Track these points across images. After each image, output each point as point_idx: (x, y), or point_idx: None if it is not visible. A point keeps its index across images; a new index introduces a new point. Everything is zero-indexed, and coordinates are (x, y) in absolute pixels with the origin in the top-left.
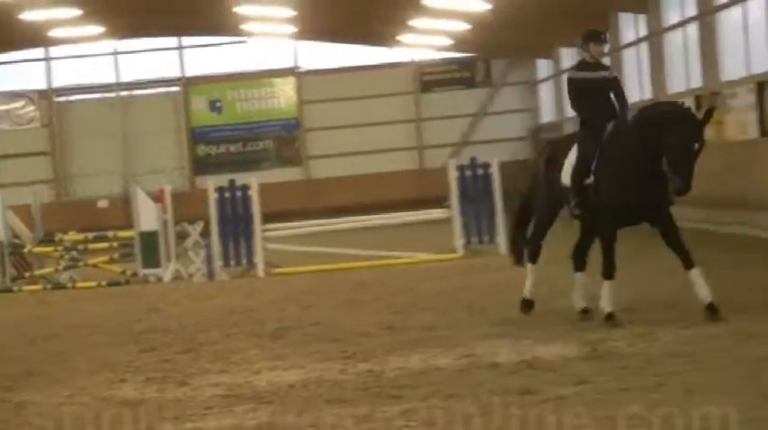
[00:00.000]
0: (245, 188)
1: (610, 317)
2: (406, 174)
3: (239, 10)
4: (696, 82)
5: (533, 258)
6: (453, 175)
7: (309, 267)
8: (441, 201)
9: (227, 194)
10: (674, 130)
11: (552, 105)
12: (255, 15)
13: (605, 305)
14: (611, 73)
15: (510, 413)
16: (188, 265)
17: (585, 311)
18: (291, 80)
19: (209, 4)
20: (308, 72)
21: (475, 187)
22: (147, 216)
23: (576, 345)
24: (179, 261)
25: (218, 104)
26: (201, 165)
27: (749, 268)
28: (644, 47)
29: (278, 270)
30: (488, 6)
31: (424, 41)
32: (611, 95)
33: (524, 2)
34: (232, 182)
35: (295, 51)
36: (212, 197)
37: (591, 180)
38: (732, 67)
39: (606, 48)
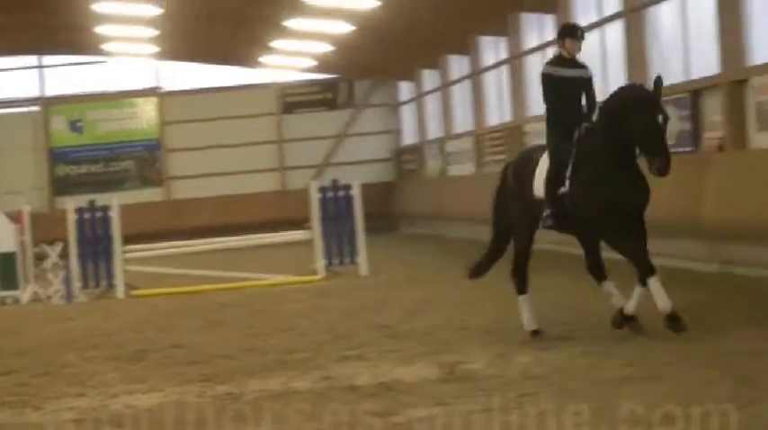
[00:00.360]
0: (105, 209)
1: (674, 318)
2: (269, 195)
3: (100, 30)
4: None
5: (523, 288)
6: (315, 197)
7: (170, 289)
8: (303, 223)
9: (86, 215)
10: (635, 115)
11: (414, 127)
12: (116, 35)
13: (665, 306)
14: (588, 72)
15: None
16: (46, 287)
17: (629, 319)
18: (153, 100)
19: (69, 23)
20: (170, 93)
21: (336, 209)
22: (5, 237)
23: (435, 367)
24: (37, 283)
25: (78, 124)
26: (61, 186)
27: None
28: (504, 70)
29: (138, 292)
30: (351, 28)
31: (287, 63)
32: (584, 96)
33: (387, 24)
34: (92, 202)
35: (157, 72)
36: (71, 218)
37: (566, 188)
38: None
39: (581, 44)
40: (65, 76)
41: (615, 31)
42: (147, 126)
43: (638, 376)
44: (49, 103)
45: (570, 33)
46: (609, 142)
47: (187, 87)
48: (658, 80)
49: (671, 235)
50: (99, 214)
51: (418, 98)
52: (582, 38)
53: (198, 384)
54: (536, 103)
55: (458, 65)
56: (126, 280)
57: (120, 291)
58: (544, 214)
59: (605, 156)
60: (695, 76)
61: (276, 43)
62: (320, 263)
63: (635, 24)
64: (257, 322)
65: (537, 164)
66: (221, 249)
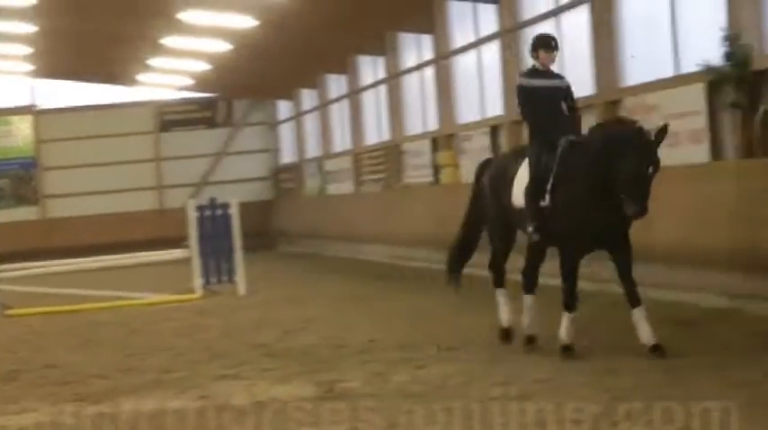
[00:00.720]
0: None
1: (566, 349)
2: (147, 213)
3: None
4: (433, 124)
5: (500, 284)
6: (193, 216)
7: (45, 308)
8: (181, 242)
9: None
10: (626, 154)
11: (293, 146)
12: None
13: (563, 336)
14: (564, 82)
15: None
16: None
17: (531, 340)
18: (28, 118)
19: None
20: (46, 110)
21: (214, 227)
22: None
23: (312, 386)
24: None
25: None
26: None
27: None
28: (383, 89)
29: (11, 311)
30: (229, 47)
31: (165, 81)
32: (564, 106)
33: (265, 44)
34: None
35: (32, 89)
36: None
37: (546, 202)
38: (467, 111)
39: (556, 55)
40: None
41: (492, 51)
42: (23, 144)
43: (513, 394)
44: None
45: (544, 44)
46: (596, 166)
47: (63, 105)
48: (664, 130)
49: (550, 253)
50: None
51: (297, 117)
52: (556, 48)
53: (72, 404)
54: (414, 122)
55: (336, 84)
56: (0, 299)
57: None
58: (528, 229)
59: (590, 179)
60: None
61: (153, 61)
62: (198, 282)
63: (510, 44)
64: (134, 341)
65: (515, 172)
66: (98, 268)
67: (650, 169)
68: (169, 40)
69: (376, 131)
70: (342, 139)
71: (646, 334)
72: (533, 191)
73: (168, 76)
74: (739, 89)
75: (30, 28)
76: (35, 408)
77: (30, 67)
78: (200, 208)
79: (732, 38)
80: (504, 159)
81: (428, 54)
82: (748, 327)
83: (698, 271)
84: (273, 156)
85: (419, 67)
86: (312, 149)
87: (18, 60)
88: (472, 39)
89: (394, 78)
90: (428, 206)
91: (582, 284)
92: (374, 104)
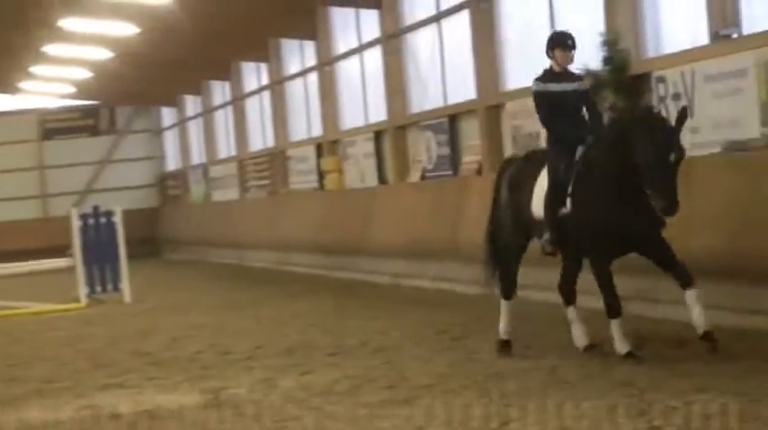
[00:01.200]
0: None
1: (630, 355)
2: (30, 222)
3: None
4: (317, 130)
5: (508, 295)
6: (76, 224)
7: None
8: (65, 250)
9: None
10: (646, 145)
11: (177, 153)
12: None
13: (620, 347)
14: (583, 84)
15: None
16: None
17: (591, 347)
18: None
19: None
20: None
21: (98, 236)
22: None
23: (198, 393)
24: None
25: None
26: None
27: (378, 309)
28: (266, 95)
29: None
30: (110, 55)
31: (47, 89)
32: (584, 110)
33: (147, 51)
34: None
35: None
36: None
37: (567, 209)
38: (351, 116)
39: (574, 54)
40: None
41: (374, 57)
42: None
43: (398, 399)
44: None
45: (560, 43)
46: (617, 163)
47: None
48: (683, 112)
49: (434, 257)
50: None
51: (180, 124)
52: (573, 47)
53: None
54: (297, 129)
55: (220, 90)
56: None
57: None
58: (543, 238)
59: (613, 178)
60: (452, 101)
61: (35, 69)
62: (82, 291)
63: (392, 50)
64: (16, 351)
65: (536, 180)
66: None
67: (672, 156)
68: (51, 48)
69: (261, 137)
70: (226, 146)
71: (697, 319)
72: (553, 198)
73: (50, 84)
74: (618, 93)
75: None
76: None
77: None
78: (84, 216)
79: (610, 43)
80: (525, 159)
81: (311, 60)
82: (638, 325)
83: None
84: (158, 164)
85: (302, 73)
86: (197, 156)
87: None
88: (355, 44)
89: (277, 84)
90: (313, 211)
91: (467, 289)
92: (258, 111)
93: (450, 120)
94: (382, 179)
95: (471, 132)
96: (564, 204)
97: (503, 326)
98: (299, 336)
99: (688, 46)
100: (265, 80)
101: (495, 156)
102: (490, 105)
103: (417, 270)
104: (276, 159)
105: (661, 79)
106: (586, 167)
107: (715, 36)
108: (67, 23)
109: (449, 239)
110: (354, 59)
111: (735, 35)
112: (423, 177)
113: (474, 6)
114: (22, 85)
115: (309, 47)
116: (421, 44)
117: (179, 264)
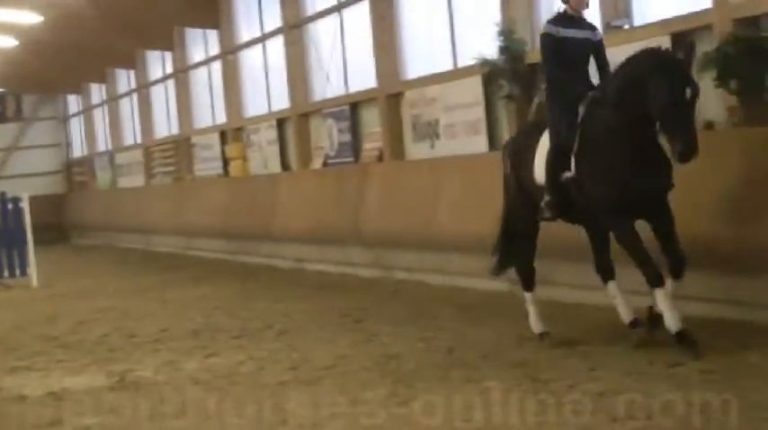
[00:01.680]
0: None
1: (682, 337)
2: None
3: None
4: (221, 118)
5: (528, 286)
6: None
7: None
8: None
9: None
10: (657, 84)
11: (83, 140)
12: None
13: (671, 323)
14: (597, 34)
15: None
16: None
17: (635, 324)
18: None
19: None
20: None
21: (5, 222)
22: None
23: (104, 376)
24: None
25: None
26: None
27: (282, 291)
28: (171, 83)
29: None
30: (15, 43)
31: None
32: (594, 61)
33: (51, 39)
34: None
35: None
36: None
37: (571, 173)
38: (254, 104)
39: (588, 2)
40: None
41: (276, 46)
42: None
43: (301, 379)
44: None
45: None
46: (624, 115)
47: None
48: (691, 44)
49: (336, 242)
50: None
51: (86, 111)
52: None
53: None
54: (202, 116)
55: (125, 78)
56: None
57: None
58: (542, 203)
59: (619, 132)
60: (354, 89)
61: None
62: None
63: (294, 39)
64: None
65: (538, 143)
66: None
67: (688, 92)
68: None
69: (166, 125)
70: (132, 133)
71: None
72: (554, 160)
73: None
74: (514, 82)
75: None
76: None
77: None
78: None
79: (506, 33)
80: (524, 131)
81: (215, 49)
82: (520, 309)
83: (475, 257)
84: (64, 151)
85: (206, 61)
86: (102, 143)
87: None
88: (258, 34)
89: (181, 73)
90: (218, 198)
91: (368, 272)
92: (163, 99)
93: (352, 107)
94: (285, 166)
95: (372, 120)
96: (568, 168)
97: (533, 320)
98: (204, 319)
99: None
100: (170, 68)
101: (396, 143)
102: (390, 94)
103: (320, 255)
104: (181, 146)
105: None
106: (591, 125)
107: (607, 27)
108: None
109: (351, 225)
110: (257, 48)
111: (626, 26)
112: (325, 164)
113: (377, 4)
114: None
115: (213, 35)
116: (322, 34)
117: (86, 249)
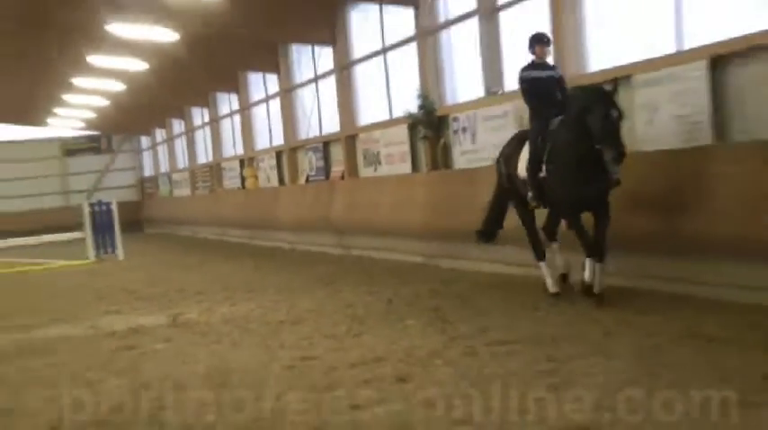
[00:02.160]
0: None
1: (599, 297)
2: (57, 209)
3: None
4: (240, 150)
5: (541, 256)
6: (87, 210)
7: None
8: (78, 226)
9: None
10: (593, 108)
11: (151, 165)
12: None
13: (595, 285)
14: (558, 72)
15: (119, 357)
16: None
17: (565, 276)
18: None
19: None
20: None
21: (101, 218)
22: None
23: (165, 317)
24: None
25: None
26: None
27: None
28: (236, 118)
29: None
30: (106, 103)
31: (64, 125)
32: (558, 92)
33: (130, 101)
34: None
35: None
36: None
37: (543, 173)
38: (261, 141)
39: (550, 49)
40: None
41: (275, 104)
42: None
43: (291, 320)
44: None
45: (538, 41)
46: (574, 134)
47: (5, 139)
48: (616, 81)
49: (315, 230)
50: None
51: (153, 147)
52: (549, 43)
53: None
54: (228, 148)
55: (177, 125)
56: None
57: None
58: (529, 195)
59: (571, 148)
60: (326, 132)
61: (58, 110)
62: (92, 252)
63: (287, 101)
64: (45, 291)
65: (522, 149)
66: (22, 246)
67: (615, 113)
68: (69, 97)
69: (204, 154)
70: (182, 160)
71: (588, 275)
72: (532, 164)
73: (68, 120)
74: (428, 128)
75: None
76: None
77: None
78: (92, 205)
79: (423, 96)
80: (511, 141)
81: (236, 103)
82: (435, 275)
83: (405, 239)
84: (138, 172)
85: (230, 114)
86: (163, 166)
87: None
88: (263, 96)
89: (245, 110)
90: (238, 201)
91: (335, 250)
92: (230, 128)
93: (324, 144)
94: (281, 181)
95: (337, 152)
96: (541, 170)
97: (550, 282)
98: (229, 282)
99: (472, 97)
100: (235, 106)
101: (352, 167)
102: (349, 135)
103: (305, 239)
104: (214, 169)
105: (455, 119)
106: (555, 141)
107: (487, 92)
108: (78, 81)
109: (324, 219)
110: (263, 105)
111: (500, 92)
112: (307, 180)
113: (339, 73)
114: (49, 120)
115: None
116: (306, 95)
117: (153, 236)
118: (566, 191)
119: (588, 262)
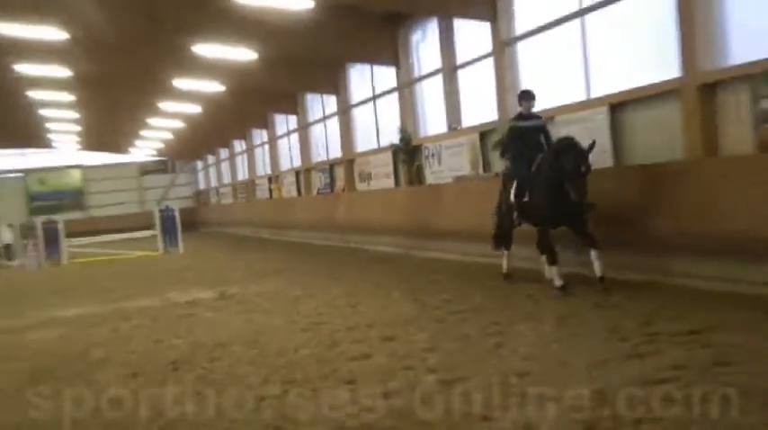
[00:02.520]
0: (55, 221)
1: (562, 288)
2: (135, 214)
3: (50, 135)
4: (268, 170)
5: (554, 261)
6: (157, 215)
7: (86, 259)
8: (150, 227)
9: (47, 224)
10: (567, 159)
11: (205, 182)
12: (56, 129)
13: (557, 282)
14: (541, 121)
15: (182, 322)
16: (29, 259)
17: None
18: (78, 170)
19: (31, 131)
20: (88, 166)
21: (167, 221)
22: (7, 236)
23: (213, 292)
24: (24, 257)
25: (42, 182)
26: (34, 211)
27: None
28: (266, 147)
29: (75, 260)
30: (170, 136)
31: (141, 152)
32: (542, 137)
33: (187, 135)
34: (50, 218)
35: (79, 155)
36: (40, 225)
37: (527, 199)
38: (284, 162)
39: (534, 103)
40: (34, 157)
41: (294, 137)
42: (75, 182)
43: (305, 294)
44: (27, 172)
45: (525, 97)
46: (550, 172)
47: (97, 163)
48: (593, 143)
49: (324, 229)
50: (53, 224)
51: (204, 168)
52: (534, 98)
53: (93, 304)
54: (260, 168)
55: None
56: (69, 255)
57: (65, 261)
58: (515, 215)
59: (548, 182)
60: (331, 157)
61: (137, 142)
62: (160, 246)
63: (304, 135)
64: (127, 274)
65: (513, 181)
66: (111, 241)
67: (583, 168)
68: (144, 132)
69: (242, 173)
70: (227, 177)
71: (597, 269)
72: (517, 192)
73: (143, 150)
74: (406, 154)
75: (76, 116)
76: (89, 304)
77: (77, 140)
78: (161, 211)
79: (403, 130)
80: (508, 173)
81: (288, 126)
82: (411, 262)
83: (389, 235)
84: (194, 187)
85: (261, 144)
86: (213, 182)
87: (73, 134)
88: (285, 130)
89: (303, 129)
90: (267, 207)
91: (341, 245)
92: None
93: (330, 166)
94: (299, 193)
95: (340, 172)
96: (524, 197)
97: (557, 278)
98: (260, 267)
99: (438, 132)
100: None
101: (351, 183)
102: (348, 159)
103: (316, 235)
104: (249, 184)
105: (426, 148)
106: (537, 174)
107: (449, 127)
108: (153, 121)
109: (330, 220)
110: (286, 138)
111: (459, 127)
112: (317, 192)
113: (341, 115)
114: (131, 149)
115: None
116: (316, 131)
117: (206, 234)
118: (540, 213)
119: (552, 269)
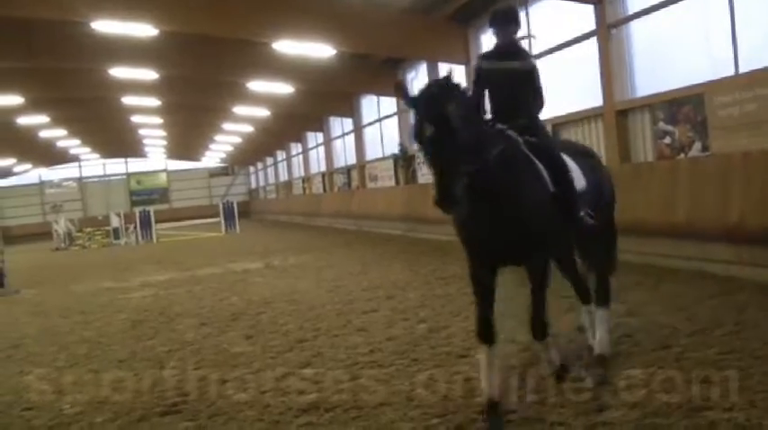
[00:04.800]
0: (148, 211)
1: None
2: (205, 206)
3: (146, 149)
4: (302, 173)
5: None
6: (221, 206)
7: (171, 238)
8: (216, 215)
9: (142, 213)
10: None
11: (256, 182)
12: (149, 143)
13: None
14: (528, 62)
15: (238, 285)
16: (130, 238)
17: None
18: (164, 173)
19: (135, 147)
20: (172, 170)
21: (228, 210)
22: (114, 221)
23: (261, 264)
24: (126, 237)
25: (139, 182)
26: (134, 204)
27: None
28: (300, 157)
29: (162, 239)
30: (231, 148)
31: (210, 159)
32: (526, 90)
33: (246, 145)
34: (145, 209)
35: (166, 163)
36: (137, 214)
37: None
38: (315, 168)
39: (516, 29)
40: (134, 164)
41: (321, 150)
42: (162, 182)
43: (328, 266)
44: (130, 175)
45: (498, 21)
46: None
47: (178, 168)
48: (449, 73)
49: (342, 217)
50: (146, 213)
51: (256, 172)
52: (514, 21)
53: (174, 272)
54: (296, 172)
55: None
56: (158, 235)
57: (155, 240)
58: None
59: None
60: (349, 163)
61: (207, 152)
62: (222, 229)
63: (329, 148)
64: (196, 250)
65: None
66: (187, 225)
67: (429, 131)
68: (213, 146)
69: (283, 175)
70: (272, 178)
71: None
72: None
73: (211, 159)
74: (404, 162)
75: (164, 134)
76: (171, 271)
77: (164, 152)
78: (224, 203)
79: (401, 144)
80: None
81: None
82: (408, 241)
83: (391, 221)
84: (248, 186)
85: (300, 153)
86: (262, 182)
87: (159, 148)
88: (314, 144)
89: (359, 130)
90: (301, 201)
91: (351, 228)
92: (342, 147)
93: (347, 171)
94: (324, 190)
95: (355, 175)
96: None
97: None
98: (299, 245)
99: None
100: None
101: (363, 182)
102: (360, 165)
103: (337, 222)
104: (287, 185)
105: (419, 157)
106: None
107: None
108: (219, 138)
109: (347, 210)
110: (315, 148)
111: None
112: (339, 190)
113: (356, 132)
114: (202, 157)
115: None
116: (337, 144)
117: (257, 221)
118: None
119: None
